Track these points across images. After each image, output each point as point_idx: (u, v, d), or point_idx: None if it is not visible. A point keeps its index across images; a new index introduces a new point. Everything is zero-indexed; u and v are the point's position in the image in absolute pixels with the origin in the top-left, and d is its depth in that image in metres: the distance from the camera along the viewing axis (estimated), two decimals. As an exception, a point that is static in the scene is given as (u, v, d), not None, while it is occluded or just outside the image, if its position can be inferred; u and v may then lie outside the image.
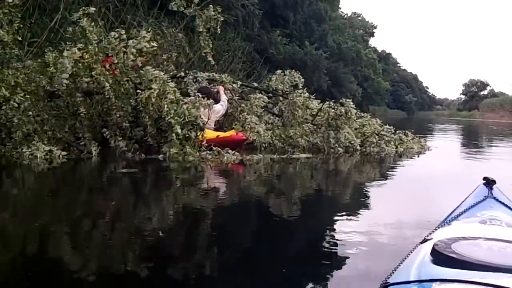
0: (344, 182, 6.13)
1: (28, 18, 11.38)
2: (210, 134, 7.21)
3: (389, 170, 7.20)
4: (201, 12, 8.90)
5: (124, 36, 6.64)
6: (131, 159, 6.27)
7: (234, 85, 8.68)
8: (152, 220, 3.54)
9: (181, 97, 6.72)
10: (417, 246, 1.78)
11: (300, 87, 8.85)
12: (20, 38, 7.43)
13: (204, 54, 9.25)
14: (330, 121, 8.02)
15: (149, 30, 7.07)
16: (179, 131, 6.34)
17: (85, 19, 6.74)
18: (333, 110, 8.02)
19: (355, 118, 8.49)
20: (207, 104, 6.93)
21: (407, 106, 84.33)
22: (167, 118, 6.35)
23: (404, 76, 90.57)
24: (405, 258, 1.69)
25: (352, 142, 8.14)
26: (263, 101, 8.36)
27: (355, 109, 8.37)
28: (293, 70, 9.17)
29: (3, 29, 6.92)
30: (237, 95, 8.66)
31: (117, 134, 6.55)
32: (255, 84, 9.50)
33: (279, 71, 9.17)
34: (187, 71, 8.81)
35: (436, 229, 1.92)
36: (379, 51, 72.57)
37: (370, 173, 6.88)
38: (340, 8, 53.59)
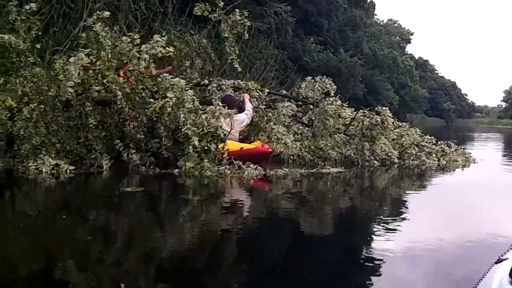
0: (381, 199, 5.42)
1: (52, 26, 11.08)
2: (233, 145, 6.61)
3: (432, 185, 6.45)
4: (226, 17, 8.36)
5: (138, 41, 6.09)
6: (145, 174, 5.70)
7: (260, 92, 8.06)
8: (151, 260, 2.92)
9: (200, 106, 6.13)
10: (492, 266, 1.69)
11: (332, 94, 8.18)
12: (39, 46, 7.00)
13: (230, 61, 8.71)
14: (364, 131, 7.28)
15: (163, 34, 6.48)
16: (196, 143, 5.75)
17: (99, 23, 6.23)
18: (368, 119, 7.29)
19: (392, 128, 7.70)
20: (228, 113, 6.30)
21: (445, 114, 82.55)
22: (183, 129, 5.78)
23: (442, 83, 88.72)
24: (481, 279, 1.60)
25: (389, 154, 7.38)
26: (291, 110, 7.72)
27: (392, 117, 7.62)
28: (325, 76, 8.51)
29: (20, 36, 6.49)
30: (264, 103, 8.05)
31: (131, 146, 6.01)
32: (284, 92, 8.85)
33: (309, 78, 8.53)
34: (211, 79, 8.24)
35: (510, 249, 1.83)
36: (416, 58, 71.32)
37: (410, 189, 6.16)
38: (376, 15, 52.72)
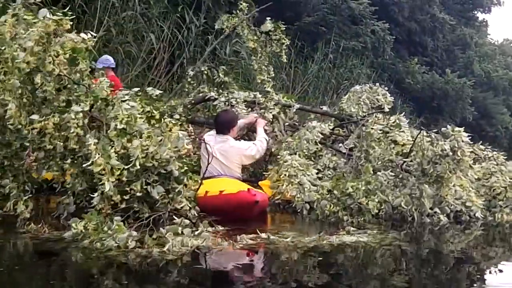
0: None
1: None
2: (214, 187, 4.02)
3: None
4: (255, 27, 6.02)
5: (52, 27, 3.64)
6: (33, 234, 3.26)
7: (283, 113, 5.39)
8: None
9: (144, 128, 3.58)
10: None
11: (387, 109, 5.28)
12: None
13: (260, 81, 6.18)
14: (425, 167, 4.24)
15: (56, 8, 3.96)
16: (108, 187, 3.20)
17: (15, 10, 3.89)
18: (431, 148, 4.23)
19: (471, 162, 4.35)
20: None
21: None
22: (87, 164, 3.26)
23: None
24: None
25: (468, 204, 4.24)
26: (320, 132, 4.92)
27: (470, 143, 4.42)
28: (377, 85, 5.60)
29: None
30: (287, 123, 5.37)
31: (27, 189, 3.60)
32: (325, 108, 6.03)
33: (357, 87, 5.64)
34: (220, 91, 5.73)
35: None
36: (537, 80, 63.47)
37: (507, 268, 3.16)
38: (489, 34, 47.16)
